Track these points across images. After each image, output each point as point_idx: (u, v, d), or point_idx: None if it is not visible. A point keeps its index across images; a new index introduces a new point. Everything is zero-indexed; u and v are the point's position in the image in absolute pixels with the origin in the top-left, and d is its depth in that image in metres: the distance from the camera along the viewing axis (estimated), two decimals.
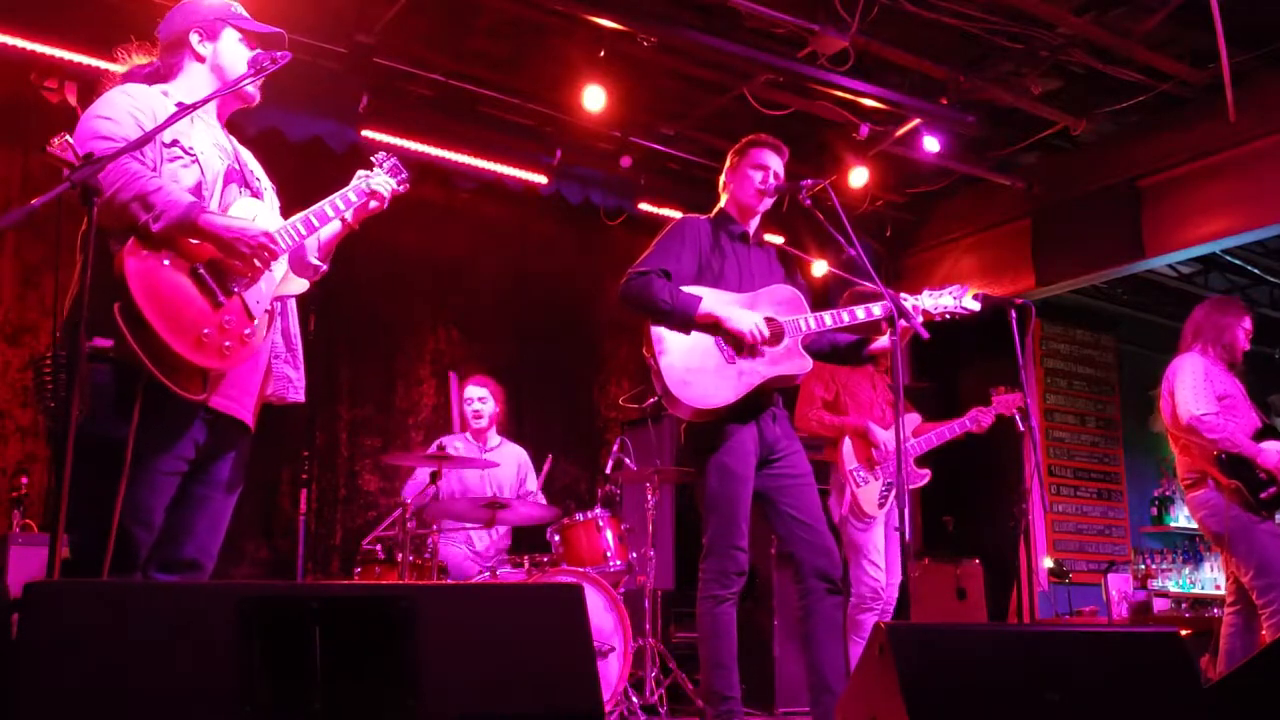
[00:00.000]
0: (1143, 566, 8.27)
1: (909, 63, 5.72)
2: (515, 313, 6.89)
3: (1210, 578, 8.74)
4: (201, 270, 2.54)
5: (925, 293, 3.74)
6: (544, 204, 6.82)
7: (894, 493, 4.70)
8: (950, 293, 3.73)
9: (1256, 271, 8.35)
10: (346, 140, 5.85)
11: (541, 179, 6.44)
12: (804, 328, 3.56)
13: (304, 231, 2.77)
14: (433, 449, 5.15)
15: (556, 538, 5.07)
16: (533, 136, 6.39)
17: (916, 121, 6.10)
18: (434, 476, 4.82)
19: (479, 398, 5.52)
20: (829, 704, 3.37)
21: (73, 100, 5.04)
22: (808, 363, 3.55)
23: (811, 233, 7.20)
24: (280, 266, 2.73)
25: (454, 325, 6.70)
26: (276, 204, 2.92)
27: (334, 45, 5.44)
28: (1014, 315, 3.80)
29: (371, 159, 3.02)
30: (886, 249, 7.87)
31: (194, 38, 2.78)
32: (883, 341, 3.69)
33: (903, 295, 3.66)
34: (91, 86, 5.12)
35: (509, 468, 5.49)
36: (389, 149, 5.86)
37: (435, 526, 4.76)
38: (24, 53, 4.96)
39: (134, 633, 1.80)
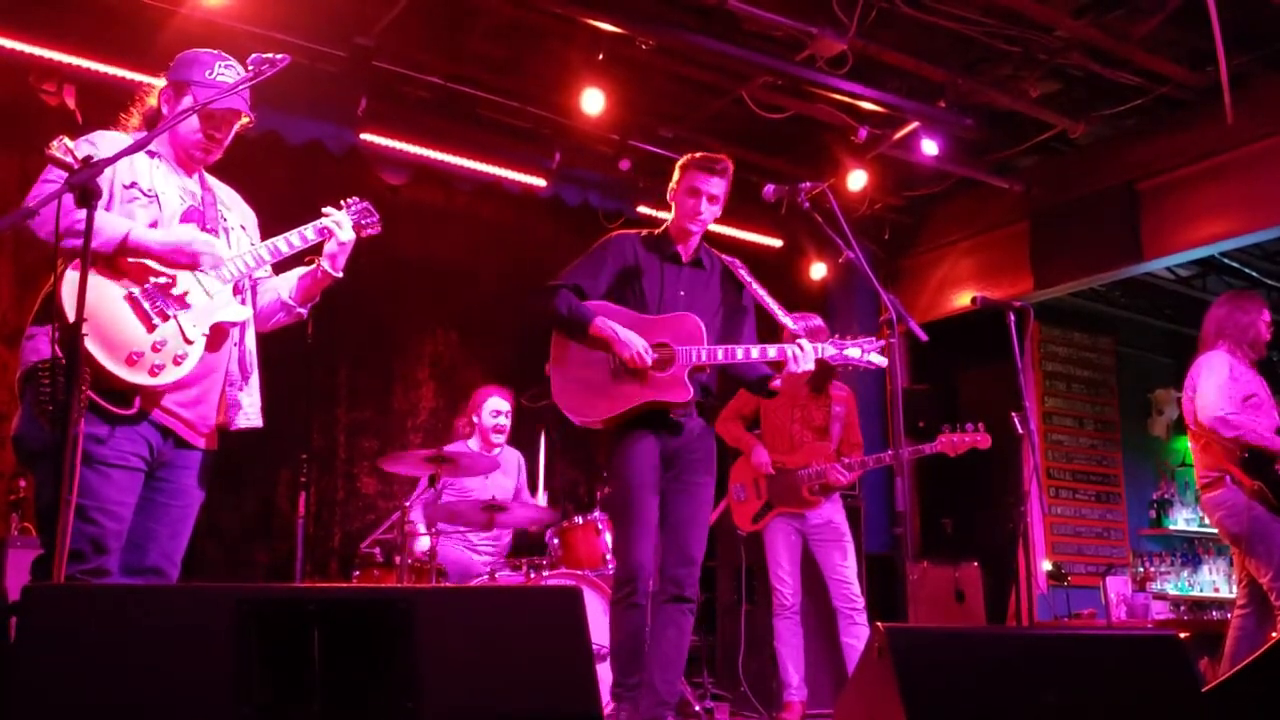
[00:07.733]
0: (1141, 569, 8.26)
1: (907, 65, 5.72)
2: (514, 315, 6.86)
3: (1209, 580, 8.73)
4: (138, 293, 2.67)
5: (831, 342, 3.61)
6: (543, 207, 6.82)
7: (774, 510, 4.95)
8: (860, 345, 3.61)
9: (1255, 274, 8.34)
10: (345, 143, 5.84)
11: (540, 182, 6.43)
12: (693, 359, 3.54)
13: (252, 264, 2.90)
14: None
15: (555, 540, 5.06)
16: (531, 139, 6.38)
17: (915, 124, 6.11)
18: (433, 480, 4.81)
19: (505, 411, 5.45)
20: (648, 701, 3.50)
21: (71, 103, 5.05)
22: (688, 392, 3.51)
23: (810, 235, 7.22)
24: (223, 294, 2.84)
25: (453, 328, 6.69)
26: (245, 243, 3.00)
27: (333, 48, 5.43)
28: (1012, 318, 3.81)
29: (342, 201, 3.10)
30: (885, 252, 7.87)
31: (162, 97, 2.89)
32: (778, 382, 3.67)
33: (818, 345, 3.55)
34: (90, 89, 5.14)
35: (510, 470, 5.48)
36: (388, 152, 5.97)
37: (434, 529, 4.75)
38: (23, 55, 4.95)
39: (132, 635, 1.80)
